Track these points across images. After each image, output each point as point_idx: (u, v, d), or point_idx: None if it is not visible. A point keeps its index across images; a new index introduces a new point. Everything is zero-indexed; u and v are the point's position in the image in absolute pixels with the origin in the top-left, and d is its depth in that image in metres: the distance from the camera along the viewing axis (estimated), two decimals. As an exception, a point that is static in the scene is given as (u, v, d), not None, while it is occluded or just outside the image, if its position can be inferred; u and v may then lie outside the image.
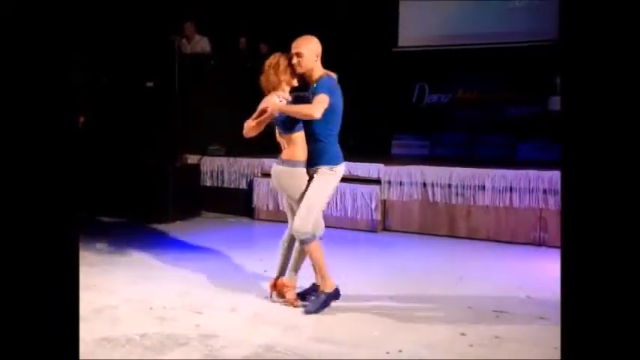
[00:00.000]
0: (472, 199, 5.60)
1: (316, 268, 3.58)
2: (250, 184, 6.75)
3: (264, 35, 8.04)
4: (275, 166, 3.60)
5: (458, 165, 5.86)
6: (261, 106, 3.50)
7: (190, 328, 3.25)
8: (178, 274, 4.37)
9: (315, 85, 3.48)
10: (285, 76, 3.50)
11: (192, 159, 7.13)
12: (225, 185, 6.91)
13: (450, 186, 5.69)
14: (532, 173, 5.42)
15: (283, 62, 3.49)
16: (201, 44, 7.78)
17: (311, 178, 3.52)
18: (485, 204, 5.56)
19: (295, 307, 3.57)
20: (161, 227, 6.09)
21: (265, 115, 3.46)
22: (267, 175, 6.71)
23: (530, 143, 7.12)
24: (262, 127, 3.56)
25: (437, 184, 5.74)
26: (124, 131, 6.67)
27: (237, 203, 6.79)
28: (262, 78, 3.54)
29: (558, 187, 5.28)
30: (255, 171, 6.77)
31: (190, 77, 7.14)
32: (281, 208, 6.48)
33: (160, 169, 6.50)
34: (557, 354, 2.94)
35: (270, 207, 6.55)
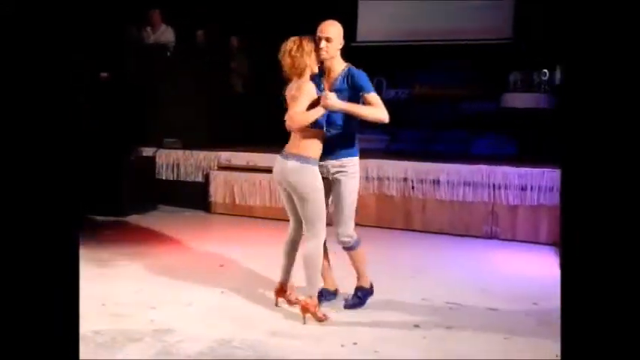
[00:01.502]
0: (427, 193, 5.71)
1: (360, 270, 3.54)
2: (207, 178, 6.68)
3: (231, 29, 7.99)
4: (282, 161, 3.26)
5: (414, 160, 5.95)
6: (306, 95, 3.16)
7: (145, 323, 3.20)
8: (133, 269, 4.29)
9: (351, 78, 3.26)
10: (310, 60, 3.21)
11: (147, 151, 7.00)
12: (182, 178, 6.83)
13: (406, 180, 5.78)
14: (485, 168, 5.55)
15: (308, 45, 3.20)
16: (167, 35, 7.65)
17: (328, 172, 3.34)
18: (440, 198, 5.67)
19: (322, 321, 3.27)
20: (116, 221, 5.97)
21: (321, 112, 3.18)
22: (223, 168, 6.66)
23: (486, 139, 7.29)
24: None
25: (393, 178, 5.82)
26: (78, 122, 6.49)
27: (194, 196, 6.71)
28: (288, 62, 3.21)
29: (509, 181, 5.44)
30: (212, 164, 6.71)
31: (147, 68, 7.00)
32: (238, 202, 6.46)
33: (114, 161, 6.36)
34: (507, 343, 3.05)
35: (227, 200, 6.51)
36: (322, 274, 3.46)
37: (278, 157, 3.32)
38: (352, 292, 3.59)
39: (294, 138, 3.27)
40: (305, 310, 3.25)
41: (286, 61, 3.21)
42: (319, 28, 3.28)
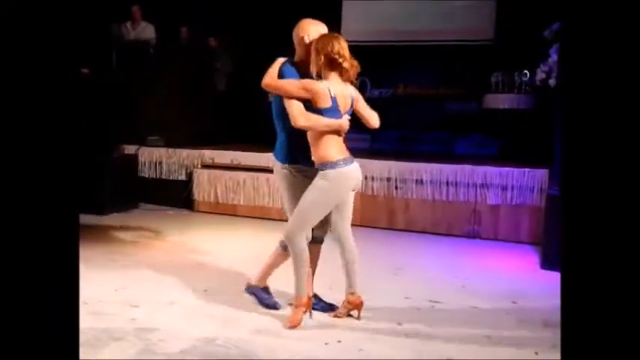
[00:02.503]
0: (410, 192, 5.74)
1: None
2: (190, 176, 6.65)
3: (210, 29, 7.95)
4: (357, 166, 3.21)
5: (398, 159, 5.99)
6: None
7: (127, 322, 3.18)
8: (114, 267, 4.26)
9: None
10: None
11: (129, 149, 6.94)
12: (165, 177, 6.79)
13: (389, 179, 5.81)
14: (467, 168, 5.61)
15: None
16: (147, 31, 7.60)
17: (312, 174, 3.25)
18: (423, 197, 5.71)
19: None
20: (97, 219, 5.91)
21: None
22: (207, 166, 6.64)
23: (468, 139, 7.36)
24: None
25: (377, 177, 5.84)
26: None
27: (177, 195, 6.67)
28: (356, 65, 3.14)
29: (491, 181, 5.51)
30: (195, 162, 6.68)
31: (129, 65, 6.95)
32: (221, 201, 6.44)
33: (95, 159, 6.29)
34: (487, 342, 3.09)
35: (211, 199, 6.49)
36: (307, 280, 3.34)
37: (353, 163, 3.17)
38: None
39: (342, 141, 3.16)
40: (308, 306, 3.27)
41: (354, 63, 3.12)
42: (322, 29, 3.20)
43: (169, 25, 7.85)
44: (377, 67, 8.19)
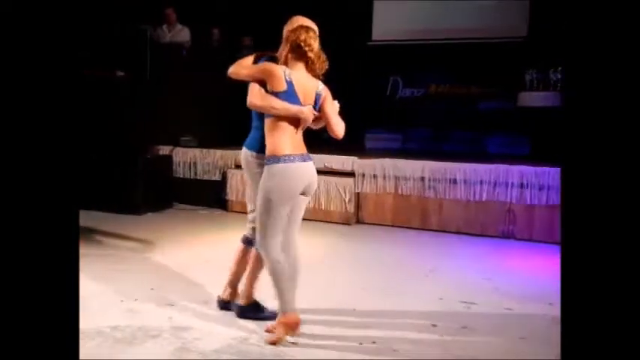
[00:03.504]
0: (444, 192, 5.69)
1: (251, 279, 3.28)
2: (224, 176, 6.72)
3: (244, 28, 8.03)
4: (308, 164, 2.99)
5: (430, 159, 5.94)
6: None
7: (162, 320, 3.23)
8: (149, 266, 4.34)
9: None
10: None
11: (164, 150, 7.06)
12: (198, 177, 6.88)
13: (422, 179, 5.77)
14: (502, 168, 5.52)
15: None
16: (182, 34, 7.72)
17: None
18: (456, 197, 5.65)
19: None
20: (132, 219, 6.03)
21: None
22: (240, 167, 6.68)
23: (501, 138, 7.26)
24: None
25: (410, 177, 5.81)
26: (94, 121, 6.56)
27: (211, 195, 6.76)
28: (324, 59, 3.01)
29: (526, 181, 5.41)
30: (229, 162, 6.75)
31: (163, 67, 7.06)
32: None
33: (130, 159, 6.42)
34: (522, 343, 3.04)
35: (244, 199, 6.53)
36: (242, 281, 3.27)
37: (305, 162, 2.96)
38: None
39: (299, 137, 2.99)
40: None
41: (322, 57, 3.00)
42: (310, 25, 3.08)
43: (201, 26, 7.95)
44: (408, 67, 8.17)
